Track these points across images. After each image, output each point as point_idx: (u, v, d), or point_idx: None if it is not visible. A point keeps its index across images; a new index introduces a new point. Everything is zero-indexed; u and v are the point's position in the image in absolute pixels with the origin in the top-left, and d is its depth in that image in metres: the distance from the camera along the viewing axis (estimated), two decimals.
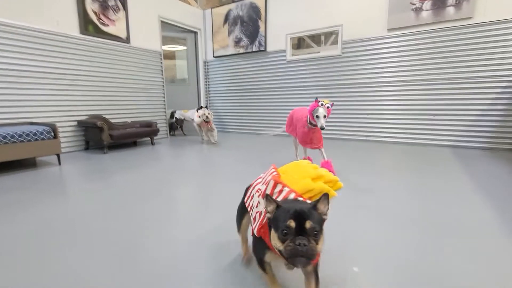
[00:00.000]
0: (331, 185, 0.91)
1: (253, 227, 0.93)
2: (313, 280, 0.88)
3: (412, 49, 4.14)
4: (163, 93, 5.53)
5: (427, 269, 1.16)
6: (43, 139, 3.06)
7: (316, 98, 2.49)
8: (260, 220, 0.89)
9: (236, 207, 1.22)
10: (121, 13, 4.59)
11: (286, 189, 0.90)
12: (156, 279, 1.12)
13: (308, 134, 2.62)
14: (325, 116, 2.43)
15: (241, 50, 5.87)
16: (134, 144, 4.79)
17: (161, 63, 5.40)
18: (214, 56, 6.35)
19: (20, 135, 2.88)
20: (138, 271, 1.18)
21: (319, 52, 5.21)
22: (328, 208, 0.81)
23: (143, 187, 2.38)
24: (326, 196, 0.80)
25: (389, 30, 4.27)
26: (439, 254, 1.27)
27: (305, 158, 2.58)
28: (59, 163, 3.27)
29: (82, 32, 4.09)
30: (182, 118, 5.64)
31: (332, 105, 2.48)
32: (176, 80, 7.10)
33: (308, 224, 0.73)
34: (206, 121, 4.53)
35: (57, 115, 3.91)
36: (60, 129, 3.54)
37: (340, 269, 1.17)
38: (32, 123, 3.46)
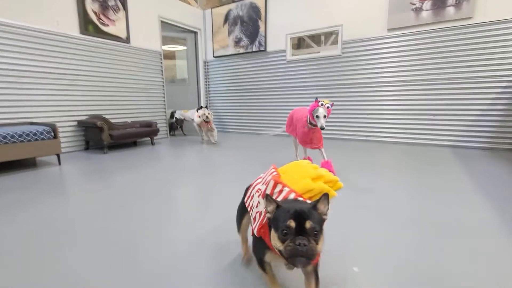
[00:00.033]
0: (331, 185, 0.91)
1: (253, 227, 0.93)
2: (313, 280, 0.88)
3: (412, 49, 4.14)
4: (163, 93, 5.53)
5: (427, 269, 1.16)
6: (43, 139, 3.06)
7: (316, 98, 2.49)
8: (260, 220, 0.89)
9: (236, 207, 1.23)
10: (121, 13, 4.59)
11: (286, 189, 0.90)
12: (156, 279, 1.12)
13: (308, 134, 2.62)
14: (325, 116, 2.42)
15: (241, 50, 5.87)
16: (134, 144, 4.79)
17: (161, 63, 5.40)
18: (214, 56, 6.35)
19: (20, 135, 2.88)
20: (138, 271, 1.18)
21: (319, 52, 5.21)
22: (328, 208, 0.81)
23: (143, 187, 2.38)
24: (326, 196, 0.80)
25: (389, 30, 4.27)
26: (439, 254, 1.27)
27: (305, 158, 2.58)
28: (59, 163, 3.27)
29: (82, 32, 4.09)
30: (182, 118, 5.63)
31: (332, 105, 2.48)
32: (176, 80, 7.10)
33: (308, 224, 0.74)
34: (206, 121, 4.53)
35: (57, 115, 3.91)
36: (60, 129, 3.54)
37: (340, 269, 1.17)
38: (32, 123, 3.46)
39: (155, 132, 4.72)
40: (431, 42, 4.00)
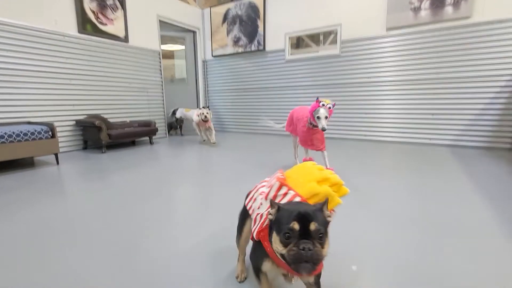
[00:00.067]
0: (336, 189, 0.87)
1: (253, 230, 0.90)
2: None
3: (411, 49, 4.15)
4: (162, 93, 5.52)
5: (427, 269, 1.16)
6: (40, 138, 3.04)
7: (317, 98, 2.44)
8: (260, 222, 0.85)
9: (236, 207, 1.21)
10: (120, 12, 4.57)
11: (291, 192, 0.86)
12: (156, 280, 1.12)
13: (308, 135, 2.58)
14: (326, 117, 2.36)
15: (240, 50, 5.86)
16: (132, 143, 4.78)
17: (160, 62, 5.39)
18: (213, 56, 6.34)
19: (17, 135, 2.87)
20: (138, 272, 1.17)
21: (318, 51, 5.20)
22: (329, 215, 0.78)
23: (142, 187, 2.37)
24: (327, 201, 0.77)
25: (388, 29, 4.28)
26: (439, 254, 1.27)
27: (305, 159, 2.56)
28: (57, 163, 3.26)
29: (80, 31, 4.07)
30: (183, 117, 5.59)
31: (334, 105, 2.42)
32: (175, 80, 7.08)
33: (313, 226, 0.69)
34: (205, 121, 4.52)
35: (55, 115, 3.89)
36: (58, 129, 3.52)
37: (340, 269, 1.17)
38: (29, 123, 3.44)
39: (154, 131, 4.71)
40: (430, 41, 4.00)
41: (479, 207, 1.81)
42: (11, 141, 2.82)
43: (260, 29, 5.51)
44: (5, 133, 2.78)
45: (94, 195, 2.18)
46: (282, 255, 0.72)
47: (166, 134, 5.72)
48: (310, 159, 2.51)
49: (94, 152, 4.04)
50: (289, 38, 5.26)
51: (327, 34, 5.22)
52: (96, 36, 4.28)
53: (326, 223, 0.74)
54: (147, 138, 5.02)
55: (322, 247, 0.70)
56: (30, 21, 3.56)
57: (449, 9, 3.81)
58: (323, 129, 2.36)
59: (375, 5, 4.32)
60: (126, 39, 4.70)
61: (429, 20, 3.95)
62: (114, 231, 1.56)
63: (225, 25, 6.00)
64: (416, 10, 4.01)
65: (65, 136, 4.02)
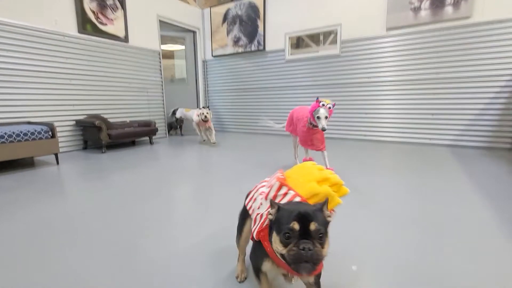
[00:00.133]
0: (336, 189, 0.87)
1: (253, 230, 0.89)
2: None
3: (411, 48, 4.15)
4: (162, 93, 5.52)
5: (427, 269, 1.16)
6: (40, 138, 3.04)
7: (317, 98, 2.44)
8: (260, 222, 0.85)
9: (236, 207, 1.21)
10: (120, 12, 4.57)
11: (291, 192, 0.86)
12: (155, 280, 1.12)
13: (308, 135, 2.58)
14: (326, 117, 2.35)
15: (240, 50, 5.86)
16: (132, 143, 4.78)
17: (160, 62, 5.39)
18: (213, 56, 6.34)
19: (17, 135, 2.87)
20: (137, 272, 1.17)
21: (318, 51, 5.20)
22: (329, 215, 0.78)
23: (142, 187, 2.37)
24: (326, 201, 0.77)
25: (388, 29, 4.27)
26: (439, 254, 1.27)
27: (305, 159, 2.55)
28: (57, 163, 3.26)
29: (80, 31, 4.07)
30: (183, 117, 5.59)
31: (334, 105, 2.42)
32: (175, 80, 7.08)
33: (313, 226, 0.69)
34: (205, 121, 4.52)
35: (55, 115, 3.89)
36: (58, 129, 3.52)
37: (340, 269, 1.17)
38: (29, 123, 3.44)
39: (154, 131, 4.71)
40: (430, 41, 4.00)
41: (479, 207, 1.81)
42: (11, 141, 2.82)
43: (260, 29, 5.51)
44: (5, 133, 2.78)
45: (94, 195, 2.18)
46: (282, 255, 0.72)
47: (166, 134, 5.72)
48: (310, 159, 2.51)
49: (94, 152, 4.04)
50: (289, 38, 5.27)
51: (327, 34, 5.22)
52: (96, 36, 4.28)
53: (326, 223, 0.74)
54: (147, 138, 5.03)
55: (322, 247, 0.70)
56: (30, 21, 3.56)
57: (449, 9, 3.81)
58: (323, 129, 2.35)
59: (375, 5, 4.32)
60: (126, 39, 4.70)
61: (429, 20, 3.95)
62: (114, 231, 1.56)
63: (225, 25, 6.00)
64: (416, 10, 4.01)
65: (65, 136, 4.02)
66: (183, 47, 6.56)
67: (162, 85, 5.50)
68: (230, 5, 5.83)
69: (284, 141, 4.70)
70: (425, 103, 4.16)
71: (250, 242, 1.03)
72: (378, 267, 1.19)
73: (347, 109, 4.82)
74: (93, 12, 4.21)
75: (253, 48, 5.68)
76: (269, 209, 0.80)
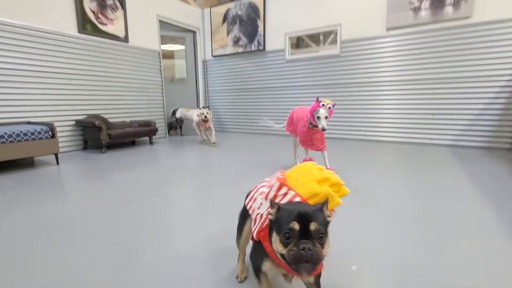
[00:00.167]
0: (336, 189, 0.86)
1: (253, 230, 0.89)
2: None
3: (411, 49, 4.15)
4: (162, 93, 5.52)
5: (427, 269, 1.16)
6: (40, 138, 3.04)
7: (317, 98, 2.44)
8: (260, 222, 0.85)
9: (236, 207, 1.21)
10: (120, 12, 4.57)
11: (291, 192, 0.86)
12: (156, 279, 1.12)
13: (308, 135, 2.57)
14: (326, 117, 2.35)
15: (240, 50, 5.86)
16: (132, 143, 4.78)
17: (160, 62, 5.39)
18: (213, 56, 6.34)
19: (17, 135, 2.87)
20: (138, 272, 1.17)
21: (318, 51, 5.20)
22: (329, 215, 0.77)
23: (142, 187, 2.37)
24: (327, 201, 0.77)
25: (388, 29, 4.27)
26: (439, 254, 1.27)
27: (305, 159, 2.55)
28: (57, 163, 3.26)
29: (80, 31, 4.07)
30: (183, 117, 5.58)
31: (334, 105, 2.41)
32: (175, 80, 7.08)
33: (313, 226, 0.69)
34: (205, 121, 4.52)
35: (55, 115, 3.89)
36: (58, 129, 3.52)
37: (340, 269, 1.17)
38: (29, 123, 3.44)
39: (154, 131, 4.71)
40: (430, 41, 4.00)
41: (479, 207, 1.81)
42: (11, 141, 2.82)
43: (260, 29, 5.51)
44: (5, 133, 2.78)
45: (94, 195, 2.18)
46: (282, 255, 0.72)
47: (166, 134, 5.72)
48: (310, 159, 2.51)
49: (94, 152, 4.04)
50: (289, 38, 5.27)
51: (327, 34, 5.22)
52: (96, 36, 4.28)
53: (326, 223, 0.74)
54: (147, 138, 5.03)
55: (322, 247, 0.70)
56: (30, 21, 3.56)
57: (449, 9, 3.81)
58: (323, 129, 2.35)
59: (375, 5, 4.32)
60: (126, 39, 4.70)
61: (429, 20, 3.95)
62: (114, 231, 1.56)
63: (225, 25, 6.00)
64: (416, 10, 4.01)
65: (65, 136, 4.02)
66: (183, 47, 6.56)
67: (162, 85, 5.50)
68: (230, 5, 5.83)
69: (284, 141, 4.70)
70: (425, 103, 4.16)
71: (250, 242, 1.03)
72: (378, 267, 1.19)
73: (347, 109, 4.82)
74: (93, 12, 4.21)
75: (253, 48, 5.68)
76: (269, 209, 0.80)
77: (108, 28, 4.42)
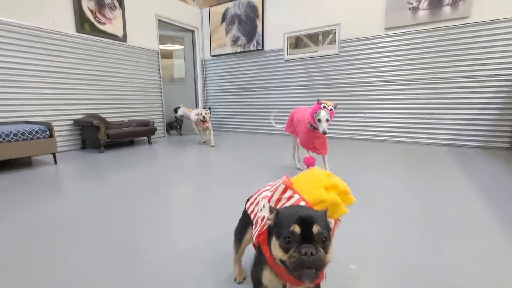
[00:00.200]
0: (342, 198, 0.84)
1: (253, 233, 0.85)
2: None
3: (409, 48, 4.16)
4: (160, 92, 5.51)
5: (427, 269, 1.16)
6: (38, 138, 3.03)
7: (318, 99, 2.40)
8: (261, 225, 0.82)
9: (236, 207, 1.21)
10: (118, 12, 4.56)
11: (296, 196, 0.83)
12: (155, 280, 1.12)
13: (310, 137, 2.52)
14: (327, 120, 2.30)
15: (239, 49, 5.86)
16: (131, 143, 4.77)
17: (158, 62, 5.37)
18: (211, 55, 6.33)
19: (15, 134, 2.85)
20: (137, 272, 1.17)
21: (316, 51, 5.21)
22: (330, 221, 0.74)
23: (141, 187, 2.37)
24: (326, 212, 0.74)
25: (386, 29, 4.28)
26: (439, 254, 1.28)
27: (306, 158, 2.52)
28: (55, 162, 3.25)
29: (78, 31, 4.05)
30: (184, 116, 5.54)
31: (335, 106, 2.36)
32: (174, 79, 7.06)
33: (315, 229, 0.65)
34: (202, 121, 4.51)
35: (53, 114, 3.87)
36: (56, 128, 3.51)
37: (339, 269, 1.17)
38: (27, 122, 3.43)
39: (152, 131, 4.70)
40: (428, 41, 4.01)
41: (479, 207, 1.82)
42: (8, 141, 2.80)
43: (259, 29, 5.51)
44: (3, 133, 2.77)
45: (93, 195, 2.17)
46: (282, 262, 0.68)
47: (164, 133, 5.71)
48: (311, 158, 2.49)
49: (92, 151, 4.02)
50: (287, 37, 5.27)
51: (325, 34, 5.23)
52: (94, 35, 4.26)
53: (329, 228, 0.71)
54: (145, 137, 5.01)
55: (326, 252, 0.66)
56: (28, 20, 3.54)
57: (447, 9, 3.82)
58: (324, 133, 2.29)
59: (373, 5, 4.32)
60: (124, 38, 4.69)
61: (427, 20, 3.96)
62: (113, 231, 1.55)
63: (224, 24, 5.99)
64: (415, 10, 4.02)
65: (63, 135, 4.00)
66: (181, 46, 6.54)
67: (160, 85, 5.48)
68: (229, 4, 5.82)
69: (284, 141, 4.71)
70: (424, 102, 4.17)
71: (249, 248, 1.02)
72: (378, 267, 1.20)
73: (345, 109, 4.83)
74: (91, 11, 4.20)
75: (251, 47, 5.67)
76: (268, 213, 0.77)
77: (106, 28, 4.41)
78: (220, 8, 5.97)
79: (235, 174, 2.75)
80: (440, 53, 3.96)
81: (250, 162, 3.22)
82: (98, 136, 3.84)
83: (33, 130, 2.99)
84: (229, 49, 6.01)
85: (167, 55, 6.41)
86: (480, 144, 3.87)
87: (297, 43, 5.56)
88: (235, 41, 5.87)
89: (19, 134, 2.88)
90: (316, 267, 0.63)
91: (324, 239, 0.66)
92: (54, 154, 3.24)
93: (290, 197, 0.84)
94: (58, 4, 3.81)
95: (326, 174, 0.90)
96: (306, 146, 2.59)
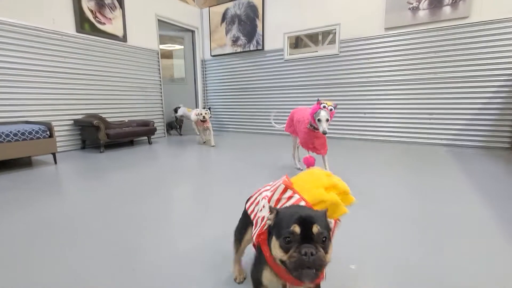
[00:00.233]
0: (342, 198, 0.84)
1: (253, 233, 0.86)
2: None
3: (409, 48, 4.16)
4: (161, 92, 5.51)
5: (427, 269, 1.16)
6: (38, 138, 3.03)
7: (318, 99, 2.40)
8: (261, 225, 0.82)
9: (236, 207, 1.21)
10: (118, 12, 4.56)
11: (296, 196, 0.83)
12: (155, 280, 1.12)
13: (310, 138, 2.52)
14: (327, 120, 2.29)
15: (239, 49, 5.86)
16: (131, 143, 4.77)
17: (158, 62, 5.37)
18: (211, 55, 6.33)
19: (15, 134, 2.85)
20: (137, 272, 1.17)
21: (316, 51, 5.21)
22: (331, 229, 0.74)
23: (141, 187, 2.37)
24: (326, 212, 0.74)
25: (386, 29, 4.28)
26: (439, 254, 1.28)
27: (306, 158, 2.52)
28: (55, 162, 3.25)
29: (78, 31, 4.05)
30: (184, 116, 5.53)
31: (335, 106, 2.36)
32: (174, 79, 7.06)
33: (315, 229, 0.65)
34: (202, 121, 4.51)
35: (52, 114, 3.87)
36: (56, 128, 3.51)
37: (339, 269, 1.17)
38: (27, 122, 3.43)
39: (152, 131, 4.70)
40: (428, 41, 4.01)
41: (479, 207, 1.82)
42: (8, 141, 2.80)
43: (259, 29, 5.51)
44: (3, 133, 2.77)
45: (92, 195, 2.17)
46: (282, 262, 0.68)
47: (164, 133, 5.71)
48: (311, 158, 2.49)
49: (92, 151, 4.03)
50: (287, 37, 5.27)
51: (325, 34, 5.23)
52: (94, 35, 4.26)
53: (329, 228, 0.71)
54: (145, 137, 5.01)
55: (326, 252, 0.66)
56: (28, 20, 3.54)
57: (447, 9, 3.83)
58: (324, 133, 2.28)
59: (373, 5, 4.32)
60: (124, 38, 4.69)
61: (427, 20, 3.96)
62: (113, 231, 1.55)
63: (224, 24, 5.99)
64: (415, 10, 4.02)
65: (63, 135, 4.00)
66: (181, 46, 6.54)
67: (160, 85, 5.48)
68: (229, 4, 5.82)
69: (284, 141, 4.71)
70: (424, 102, 4.17)
71: (249, 247, 1.02)
72: (378, 267, 1.20)
73: (345, 109, 4.83)
74: (91, 11, 4.20)
75: (251, 47, 5.67)
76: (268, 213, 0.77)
77: (106, 28, 4.41)
78: (220, 8, 5.97)
79: (235, 174, 2.75)
80: (440, 53, 3.96)
81: (250, 162, 3.22)
82: (98, 136, 3.84)
83: (33, 130, 2.99)
84: (229, 49, 6.01)
85: (167, 55, 6.41)
86: (480, 144, 3.87)
87: (297, 43, 5.56)
88: (235, 41, 5.87)
89: (19, 134, 2.88)
90: (316, 267, 0.63)
91: (324, 239, 0.66)
92: (54, 154, 3.24)
93: (290, 197, 0.84)
94: (58, 4, 3.82)
95: (326, 174, 0.90)
96: (306, 146, 2.58)
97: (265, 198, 0.90)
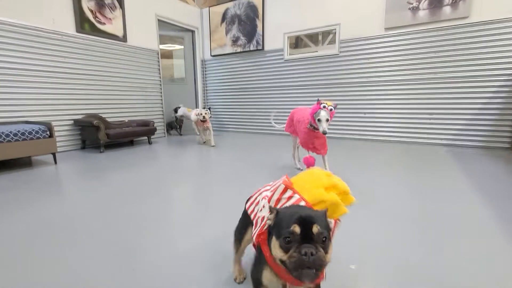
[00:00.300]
0: (342, 198, 0.84)
1: (253, 233, 0.86)
2: None
3: (409, 48, 4.16)
4: (161, 92, 5.51)
5: (427, 269, 1.16)
6: (38, 138, 3.03)
7: (318, 99, 2.40)
8: (261, 225, 0.82)
9: (236, 207, 1.21)
10: (118, 12, 4.56)
11: (296, 196, 0.83)
12: (155, 280, 1.12)
13: (310, 138, 2.52)
14: (327, 120, 2.29)
15: (239, 49, 5.86)
16: (131, 143, 4.77)
17: (158, 62, 5.37)
18: (211, 55, 6.33)
19: (15, 134, 2.85)
20: (137, 272, 1.17)
21: (316, 51, 5.21)
22: (330, 221, 0.74)
23: (141, 187, 2.37)
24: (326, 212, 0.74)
25: (386, 29, 4.28)
26: (439, 254, 1.28)
27: (306, 158, 2.52)
28: (55, 162, 3.25)
29: (78, 31, 4.05)
30: (184, 116, 5.53)
31: (335, 106, 2.36)
32: (174, 79, 7.06)
33: (315, 229, 0.65)
34: (202, 121, 4.51)
35: (53, 114, 3.87)
36: (56, 128, 3.51)
37: (339, 269, 1.17)
38: (27, 122, 3.43)
39: (152, 131, 4.70)
40: (428, 41, 4.01)
41: (479, 207, 1.82)
42: (8, 141, 2.80)
43: (259, 29, 5.51)
44: (3, 133, 2.77)
45: (92, 195, 2.17)
46: (282, 262, 0.68)
47: (164, 133, 5.71)
48: (311, 158, 2.49)
49: (92, 151, 4.03)
50: (287, 37, 5.27)
51: (325, 34, 5.23)
52: (94, 35, 4.26)
53: (329, 228, 0.71)
54: (145, 137, 5.01)
55: (326, 252, 0.66)
56: (28, 20, 3.54)
57: (447, 9, 3.83)
58: (324, 133, 2.28)
59: (373, 4, 4.32)
60: (124, 38, 4.69)
61: (427, 20, 3.96)
62: (113, 231, 1.55)
63: (224, 24, 5.99)
64: (415, 10, 4.02)
65: (63, 135, 4.00)
66: (181, 46, 6.54)
67: (160, 85, 5.48)
68: (229, 4, 5.82)
69: (284, 141, 4.70)
70: (424, 102, 4.17)
71: (249, 247, 1.02)
72: (378, 267, 1.20)
73: (345, 109, 4.83)
74: (91, 11, 4.20)
75: (251, 47, 5.67)
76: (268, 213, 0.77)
77: (106, 28, 4.41)
78: (220, 8, 5.97)
79: (235, 174, 2.75)
80: (440, 53, 3.96)
81: (250, 162, 3.22)
82: (98, 136, 3.84)
83: (33, 130, 2.99)
84: (229, 49, 6.01)
85: (167, 55, 6.41)
86: (480, 144, 3.87)
87: (297, 43, 5.56)
88: (235, 41, 5.87)
89: (19, 134, 2.88)
90: (316, 267, 0.63)
91: (324, 239, 0.66)
92: (54, 154, 3.24)
93: (290, 197, 0.84)
94: (58, 4, 3.82)
95: (326, 174, 0.90)
96: (306, 146, 2.58)
97: (265, 198, 0.89)
